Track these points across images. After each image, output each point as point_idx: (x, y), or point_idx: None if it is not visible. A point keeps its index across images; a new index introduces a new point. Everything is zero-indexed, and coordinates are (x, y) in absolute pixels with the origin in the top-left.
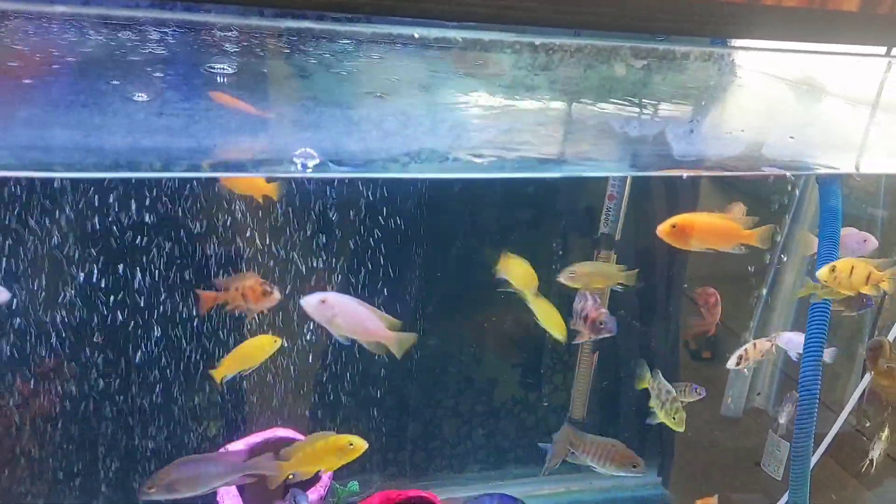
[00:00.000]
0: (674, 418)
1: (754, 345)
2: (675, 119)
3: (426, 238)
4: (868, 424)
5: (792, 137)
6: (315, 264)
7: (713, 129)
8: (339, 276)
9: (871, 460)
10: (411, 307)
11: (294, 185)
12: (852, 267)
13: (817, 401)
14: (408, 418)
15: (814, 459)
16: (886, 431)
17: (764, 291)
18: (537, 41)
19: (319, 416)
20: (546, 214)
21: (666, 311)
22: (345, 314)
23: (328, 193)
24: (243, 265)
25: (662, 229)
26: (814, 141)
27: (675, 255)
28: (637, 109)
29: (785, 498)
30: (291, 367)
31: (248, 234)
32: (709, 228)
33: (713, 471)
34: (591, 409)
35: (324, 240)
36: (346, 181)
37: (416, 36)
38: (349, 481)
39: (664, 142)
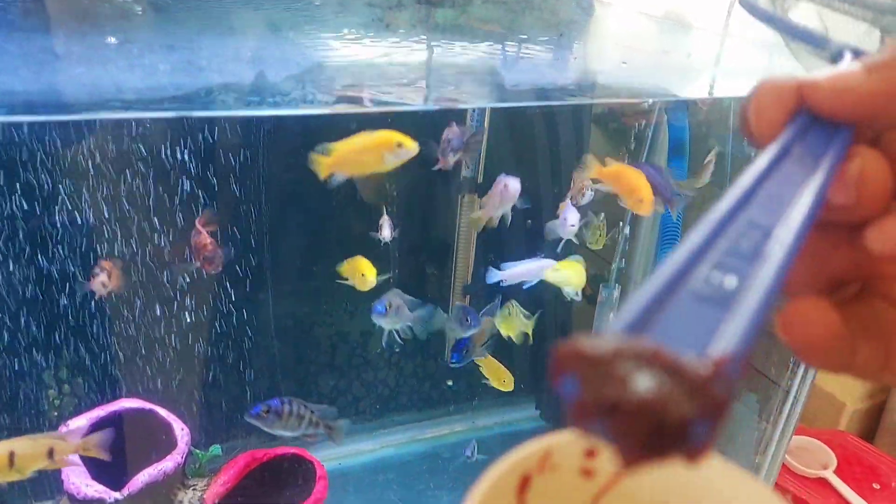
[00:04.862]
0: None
1: None
2: (539, 56)
3: (278, 189)
4: None
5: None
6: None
7: (575, 62)
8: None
9: None
10: (268, 266)
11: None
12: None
13: None
14: (279, 377)
15: None
16: None
17: (627, 227)
18: None
19: (182, 381)
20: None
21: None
22: None
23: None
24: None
25: (598, 171)
26: (671, 69)
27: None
28: (499, 47)
29: None
30: (148, 329)
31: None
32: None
33: None
34: None
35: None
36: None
37: None
38: (211, 445)
39: (527, 75)
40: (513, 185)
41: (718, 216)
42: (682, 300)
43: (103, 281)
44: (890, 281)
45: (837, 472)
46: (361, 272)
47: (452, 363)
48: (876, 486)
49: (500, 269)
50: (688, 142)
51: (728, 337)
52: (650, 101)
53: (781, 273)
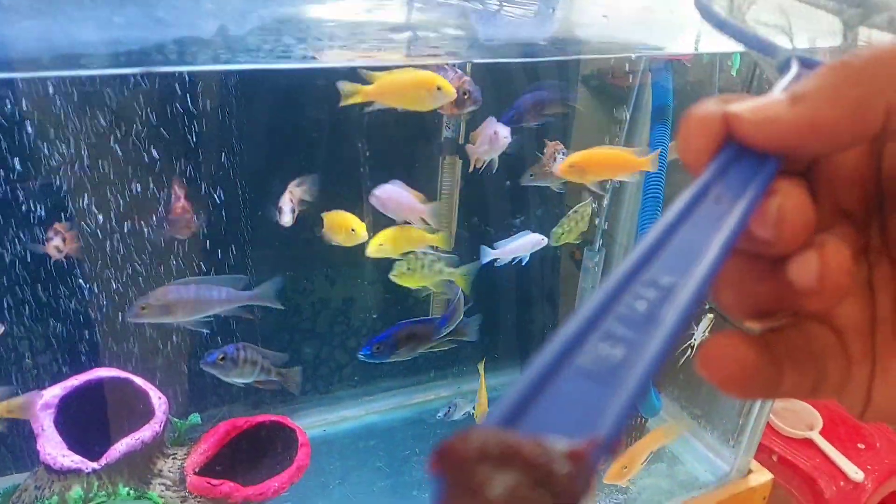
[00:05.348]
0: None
1: None
2: (522, 15)
3: (252, 150)
4: None
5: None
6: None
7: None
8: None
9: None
10: (244, 231)
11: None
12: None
13: None
14: (260, 345)
15: None
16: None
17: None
18: None
19: (160, 350)
20: (386, 119)
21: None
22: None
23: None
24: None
25: (562, 169)
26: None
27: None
28: (479, 5)
29: None
30: (124, 296)
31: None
32: (605, 162)
33: None
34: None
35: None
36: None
37: None
38: (191, 414)
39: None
40: (503, 132)
41: (616, 280)
42: (567, 378)
43: (57, 245)
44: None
45: (823, 432)
46: (350, 227)
47: (361, 355)
48: (861, 446)
49: (493, 248)
50: (672, 105)
51: (601, 421)
52: (633, 56)
53: (670, 341)
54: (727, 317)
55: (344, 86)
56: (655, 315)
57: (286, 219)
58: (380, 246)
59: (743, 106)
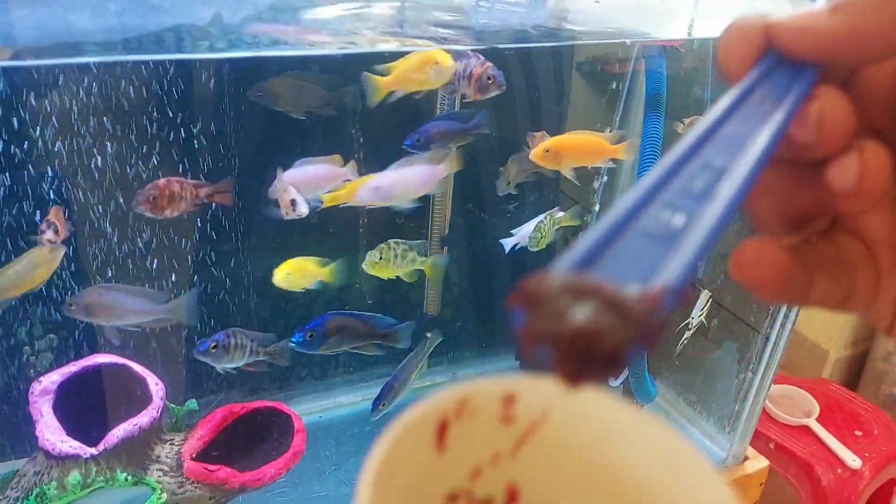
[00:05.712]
0: None
1: None
2: (515, 2)
3: (246, 137)
4: None
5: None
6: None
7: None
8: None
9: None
10: (239, 216)
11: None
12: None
13: None
14: (257, 330)
15: None
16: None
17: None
18: None
19: (157, 336)
20: (379, 106)
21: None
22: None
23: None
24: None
25: (536, 154)
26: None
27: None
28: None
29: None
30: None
31: None
32: (580, 147)
33: None
34: (445, 304)
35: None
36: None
37: None
38: (188, 400)
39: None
40: (301, 206)
41: (673, 159)
42: (631, 238)
43: (50, 238)
44: (852, 216)
45: (820, 419)
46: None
47: (293, 343)
48: (858, 433)
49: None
50: (665, 94)
51: (668, 272)
52: (628, 41)
53: (728, 212)
54: (761, 233)
55: (367, 80)
56: (712, 191)
57: (302, 209)
58: (287, 275)
59: (783, 16)
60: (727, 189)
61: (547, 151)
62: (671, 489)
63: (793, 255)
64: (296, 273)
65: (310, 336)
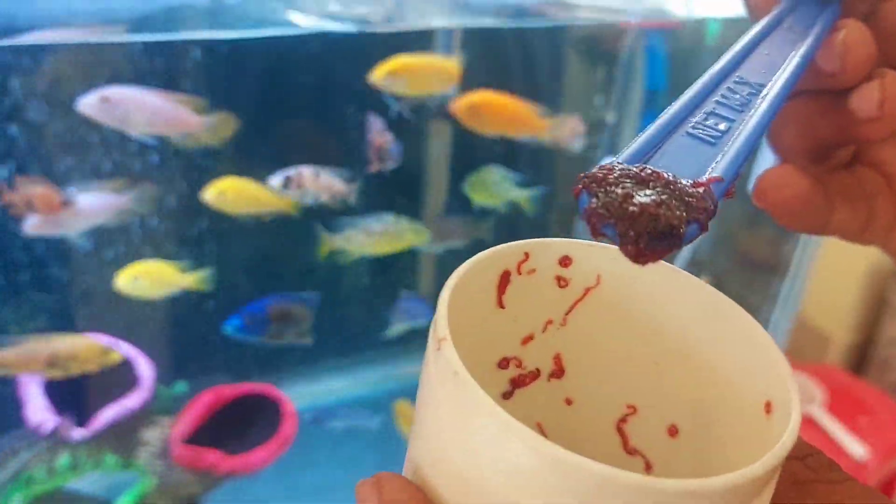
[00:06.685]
0: None
1: None
2: None
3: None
4: None
5: None
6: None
7: None
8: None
9: None
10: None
11: None
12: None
13: None
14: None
15: None
16: None
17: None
18: None
19: (146, 316)
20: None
21: None
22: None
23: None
24: None
25: (458, 106)
26: None
27: None
28: None
29: None
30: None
31: None
32: (503, 111)
33: None
34: (439, 280)
35: None
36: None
37: None
38: (177, 382)
39: None
40: None
41: (712, 75)
42: (679, 140)
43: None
44: (874, 145)
45: (825, 406)
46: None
47: (229, 327)
48: (864, 418)
49: None
50: (664, 90)
51: (718, 166)
52: (627, 20)
53: (765, 120)
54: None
55: None
56: (751, 103)
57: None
58: (135, 280)
59: None
60: (764, 104)
61: (471, 107)
62: (713, 335)
63: (815, 182)
64: (152, 277)
65: (249, 321)
